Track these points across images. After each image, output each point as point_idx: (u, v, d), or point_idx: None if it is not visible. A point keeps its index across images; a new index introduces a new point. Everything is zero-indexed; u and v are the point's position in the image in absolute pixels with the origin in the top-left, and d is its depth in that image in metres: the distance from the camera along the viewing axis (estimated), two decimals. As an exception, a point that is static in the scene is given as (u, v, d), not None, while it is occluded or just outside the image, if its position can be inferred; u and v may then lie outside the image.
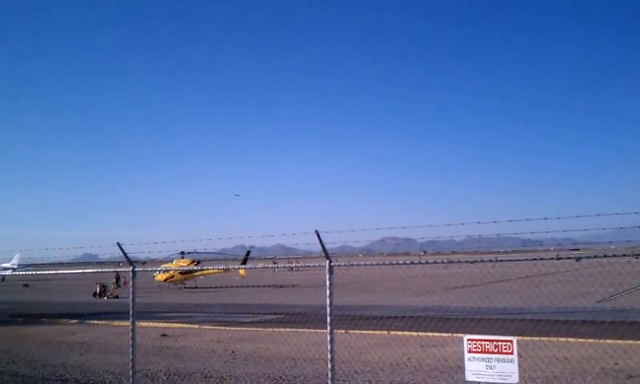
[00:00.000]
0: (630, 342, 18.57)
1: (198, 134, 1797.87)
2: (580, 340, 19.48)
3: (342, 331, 22.48)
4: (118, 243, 14.08)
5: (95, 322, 32.55)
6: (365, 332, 23.73)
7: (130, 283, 14.26)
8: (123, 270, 15.37)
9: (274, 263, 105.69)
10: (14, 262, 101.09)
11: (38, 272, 26.54)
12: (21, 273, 40.70)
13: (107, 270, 21.24)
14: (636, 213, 8.71)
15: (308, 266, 15.17)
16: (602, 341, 18.92)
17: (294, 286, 67.49)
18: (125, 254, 14.13)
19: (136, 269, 14.49)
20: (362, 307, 34.39)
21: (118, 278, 71.90)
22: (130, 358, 13.92)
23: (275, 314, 33.58)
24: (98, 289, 60.50)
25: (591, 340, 19.28)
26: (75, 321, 33.36)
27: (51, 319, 34.41)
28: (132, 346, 13.94)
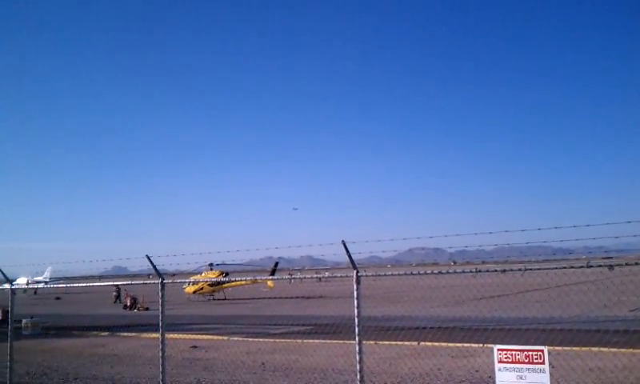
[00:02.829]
0: (664, 351, 18.23)
1: (226, 146, 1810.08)
2: (613, 349, 19.13)
3: (372, 342, 22.39)
4: (147, 255, 14.22)
5: (125, 334, 32.86)
6: (394, 343, 23.59)
7: (160, 295, 14.38)
8: (152, 282, 15.50)
9: (301, 274, 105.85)
10: (46, 275, 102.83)
11: (69, 285, 26.89)
12: (52, 286, 41.30)
13: (138, 282, 21.31)
14: (668, 219, 8.58)
15: (335, 277, 15.18)
16: (636, 350, 18.58)
17: (321, 297, 67.45)
18: (154, 266, 14.26)
19: (165, 281, 14.62)
20: (390, 318, 34.22)
21: (119, 293, 72.92)
22: (160, 370, 14.02)
23: (304, 325, 33.58)
24: (128, 301, 61.22)
25: (624, 349, 18.94)
26: (106, 333, 33.73)
27: (82, 331, 34.81)
28: (162, 357, 14.05)
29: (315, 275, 76.02)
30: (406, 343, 23.50)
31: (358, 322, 11.11)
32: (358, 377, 11.01)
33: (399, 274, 12.51)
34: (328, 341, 24.53)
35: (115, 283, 29.78)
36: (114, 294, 75.13)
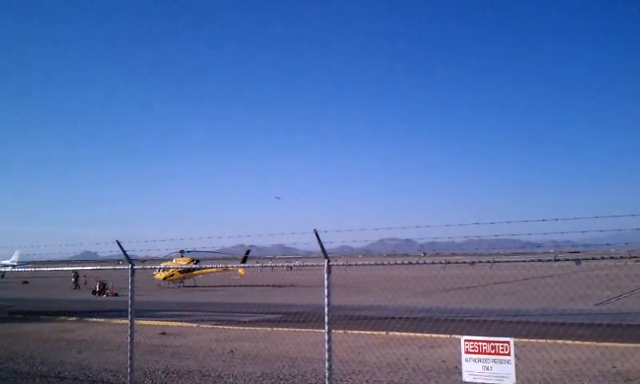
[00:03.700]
0: (627, 344, 18.57)
1: (198, 133, 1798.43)
2: (578, 342, 19.48)
3: (341, 331, 22.48)
4: (117, 241, 14.11)
5: (94, 319, 32.58)
6: (363, 332, 23.73)
7: (129, 281, 14.30)
8: (122, 267, 15.39)
9: (272, 262, 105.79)
10: (14, 258, 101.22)
11: (37, 269, 26.55)
12: (20, 269, 40.78)
13: (107, 267, 21.16)
14: (633, 215, 8.76)
15: (306, 266, 15.21)
16: (600, 343, 18.89)
17: (293, 285, 67.49)
18: (124, 251, 14.16)
19: (135, 267, 14.53)
20: (360, 307, 34.40)
21: (77, 277, 72.40)
22: (129, 355, 13.96)
23: (274, 313, 33.59)
24: (97, 286, 60.78)
25: (589, 342, 19.27)
26: (74, 318, 33.39)
27: (50, 316, 34.41)
28: (130, 343, 13.99)
29: (286, 264, 75.82)
30: (375, 333, 23.66)
31: (328, 311, 11.15)
32: (327, 365, 11.06)
33: (370, 264, 12.58)
34: (297, 329, 24.60)
35: (73, 268, 29.40)
36: (72, 279, 74.61)
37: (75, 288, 71.10)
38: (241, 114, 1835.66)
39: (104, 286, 60.60)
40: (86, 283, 73.90)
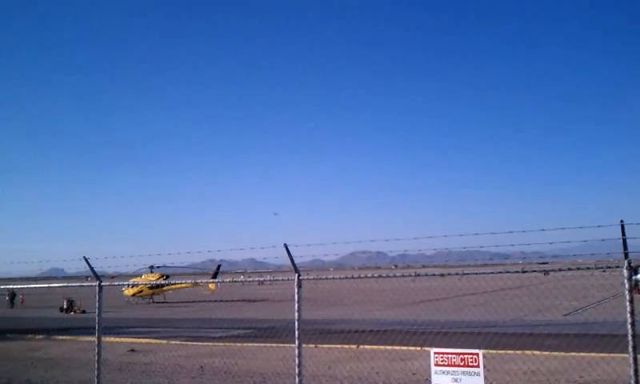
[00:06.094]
0: (594, 354, 18.78)
1: (164, 149, 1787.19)
2: (546, 353, 19.71)
3: (312, 345, 22.46)
4: (84, 257, 13.97)
5: (61, 337, 32.04)
6: (334, 346, 23.72)
7: (97, 298, 14.14)
8: (89, 284, 15.21)
9: (243, 277, 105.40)
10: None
11: (2, 286, 26.08)
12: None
13: (74, 284, 20.90)
14: (599, 226, 8.93)
15: (277, 280, 15.20)
16: (568, 354, 19.13)
17: (264, 300, 67.25)
18: (91, 268, 14.02)
19: (103, 283, 14.38)
20: (331, 321, 34.39)
21: (13, 296, 70.46)
22: (96, 373, 13.78)
23: (245, 328, 33.42)
24: (65, 303, 59.85)
25: (557, 353, 19.53)
26: (41, 336, 32.82)
27: (17, 335, 33.78)
28: (97, 361, 13.83)
29: (257, 279, 75.70)
30: (346, 346, 23.65)
31: (298, 325, 11.16)
32: (297, 380, 11.04)
33: (340, 278, 12.63)
34: (268, 344, 24.47)
35: (7, 287, 28.58)
36: (7, 298, 70.24)
37: (11, 307, 68.37)
38: (206, 127, 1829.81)
39: (72, 303, 59.70)
40: (22, 302, 72.50)
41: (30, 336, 33.14)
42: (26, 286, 22.00)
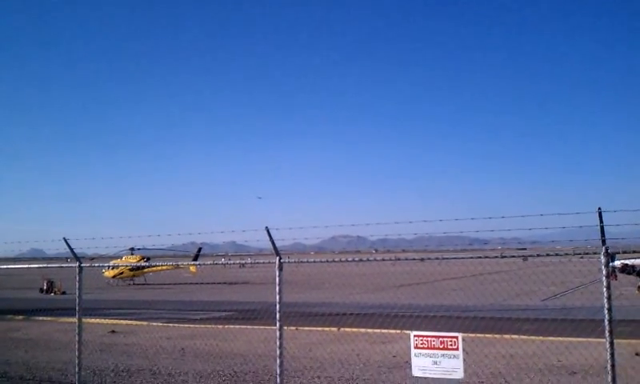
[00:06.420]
0: (572, 339, 19.10)
1: (146, 129, 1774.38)
2: (524, 337, 20.00)
3: (293, 328, 22.57)
4: (64, 238, 13.90)
5: (41, 318, 31.87)
6: (315, 329, 23.85)
7: (77, 279, 14.10)
8: (69, 265, 15.15)
9: (224, 259, 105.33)
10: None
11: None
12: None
13: (54, 265, 20.81)
14: (577, 213, 9.05)
15: (258, 263, 15.26)
16: (545, 338, 19.43)
17: (245, 282, 67.27)
18: (71, 249, 13.96)
19: (83, 265, 14.34)
20: (312, 304, 34.55)
21: None
22: (77, 354, 13.77)
23: (226, 310, 33.49)
24: (45, 285, 59.49)
25: (535, 337, 19.80)
26: (21, 317, 32.66)
27: (-5, 315, 33.58)
28: (78, 341, 13.81)
29: (238, 261, 75.57)
30: (326, 329, 23.81)
31: (279, 307, 11.21)
32: (278, 362, 11.12)
33: (321, 261, 12.70)
34: (249, 326, 24.57)
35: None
36: None
37: None
38: (189, 111, 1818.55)
39: (52, 284, 59.35)
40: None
41: (9, 317, 32.95)
42: (4, 267, 21.73)
